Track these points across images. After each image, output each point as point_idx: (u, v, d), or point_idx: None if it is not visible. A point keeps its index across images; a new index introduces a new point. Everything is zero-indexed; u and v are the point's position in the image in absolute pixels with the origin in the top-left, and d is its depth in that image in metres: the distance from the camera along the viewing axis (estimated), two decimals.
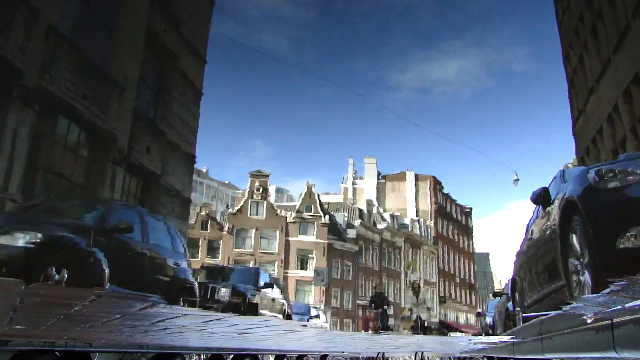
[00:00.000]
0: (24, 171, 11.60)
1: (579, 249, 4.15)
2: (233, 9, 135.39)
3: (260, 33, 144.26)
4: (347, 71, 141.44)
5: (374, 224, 64.36)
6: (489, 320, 16.12)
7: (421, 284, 20.98)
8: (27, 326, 2.43)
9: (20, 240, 5.87)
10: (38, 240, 5.97)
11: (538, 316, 2.57)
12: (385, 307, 18.12)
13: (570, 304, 2.28)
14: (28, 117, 11.66)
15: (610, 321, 1.52)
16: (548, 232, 5.09)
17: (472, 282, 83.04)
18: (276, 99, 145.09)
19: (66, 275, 6.21)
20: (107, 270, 6.84)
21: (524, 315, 5.78)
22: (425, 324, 17.28)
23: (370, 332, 16.62)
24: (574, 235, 4.24)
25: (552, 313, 2.45)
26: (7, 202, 10.85)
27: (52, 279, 6.02)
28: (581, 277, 4.14)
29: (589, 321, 1.67)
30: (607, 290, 1.60)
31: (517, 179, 30.16)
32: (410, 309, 17.50)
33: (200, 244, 52.58)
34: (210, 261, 46.87)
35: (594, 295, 2.12)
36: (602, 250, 3.73)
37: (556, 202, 4.79)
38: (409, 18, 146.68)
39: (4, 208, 10.49)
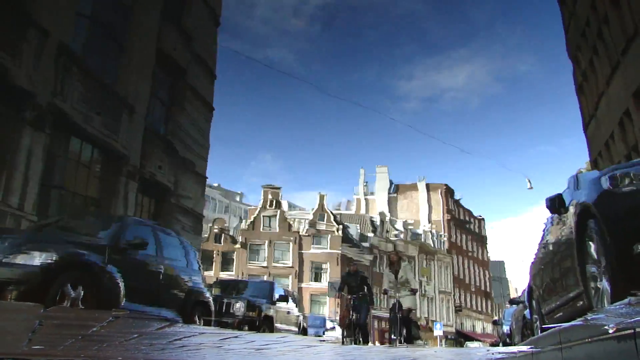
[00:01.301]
0: (39, 190, 11.71)
1: (595, 255, 4.12)
2: (238, 25, 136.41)
3: (266, 48, 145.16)
4: (355, 82, 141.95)
5: (387, 234, 64.21)
6: (506, 328, 15.94)
7: (401, 255, 13.71)
8: (45, 346, 2.44)
9: (37, 259, 5.92)
10: (54, 259, 6.02)
11: (557, 327, 2.54)
12: (363, 292, 12.35)
13: (591, 313, 2.25)
14: (42, 137, 11.78)
15: (632, 330, 1.51)
16: (564, 238, 5.06)
17: (488, 290, 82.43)
18: (284, 112, 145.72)
19: (82, 293, 6.25)
20: (122, 287, 6.87)
21: (543, 326, 5.73)
22: (411, 315, 11.66)
23: (342, 329, 12.87)
24: (590, 241, 4.21)
25: (572, 323, 2.43)
26: (23, 220, 10.95)
27: (69, 297, 6.06)
28: (599, 284, 4.10)
29: (610, 331, 1.65)
30: (627, 300, 1.58)
31: (531, 187, 30.03)
32: (386, 291, 12.10)
33: (214, 258, 52.67)
34: (224, 275, 46.96)
35: (616, 305, 2.09)
36: (619, 255, 3.70)
37: (571, 208, 4.75)
38: (414, 29, 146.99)
39: (20, 227, 10.58)
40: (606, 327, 1.68)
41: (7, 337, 2.72)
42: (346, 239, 57.22)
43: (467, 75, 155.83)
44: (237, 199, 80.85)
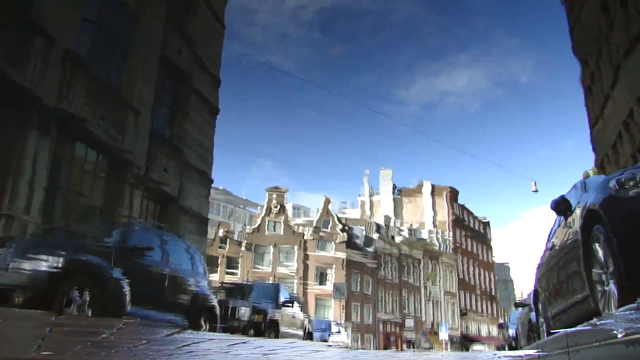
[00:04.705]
0: (45, 195, 11.74)
1: (602, 258, 4.10)
2: (239, 30, 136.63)
3: (267, 55, 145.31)
4: (355, 87, 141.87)
5: (392, 237, 64.08)
6: (511, 332, 15.85)
7: None
8: (54, 352, 2.45)
9: (43, 264, 5.94)
10: (60, 264, 6.04)
11: (564, 331, 2.54)
12: None
13: (598, 318, 2.24)
14: (47, 141, 11.83)
15: None
16: (570, 241, 5.04)
17: (493, 293, 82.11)
18: (287, 114, 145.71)
19: (88, 298, 6.26)
20: (128, 292, 6.88)
21: (551, 330, 5.71)
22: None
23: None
24: (596, 244, 4.20)
25: (580, 327, 2.42)
26: (29, 225, 10.97)
27: (75, 302, 6.07)
28: (606, 287, 4.09)
29: (619, 336, 1.64)
30: (635, 304, 1.58)
31: (536, 190, 29.86)
32: None
33: (219, 262, 52.63)
34: (229, 278, 46.90)
35: (624, 310, 2.08)
36: (626, 259, 3.69)
37: (577, 211, 4.74)
38: (414, 33, 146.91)
39: (26, 232, 10.61)
40: (615, 332, 1.67)
41: (17, 343, 2.73)
42: (351, 242, 57.12)
43: (467, 79, 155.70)
44: (241, 204, 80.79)
